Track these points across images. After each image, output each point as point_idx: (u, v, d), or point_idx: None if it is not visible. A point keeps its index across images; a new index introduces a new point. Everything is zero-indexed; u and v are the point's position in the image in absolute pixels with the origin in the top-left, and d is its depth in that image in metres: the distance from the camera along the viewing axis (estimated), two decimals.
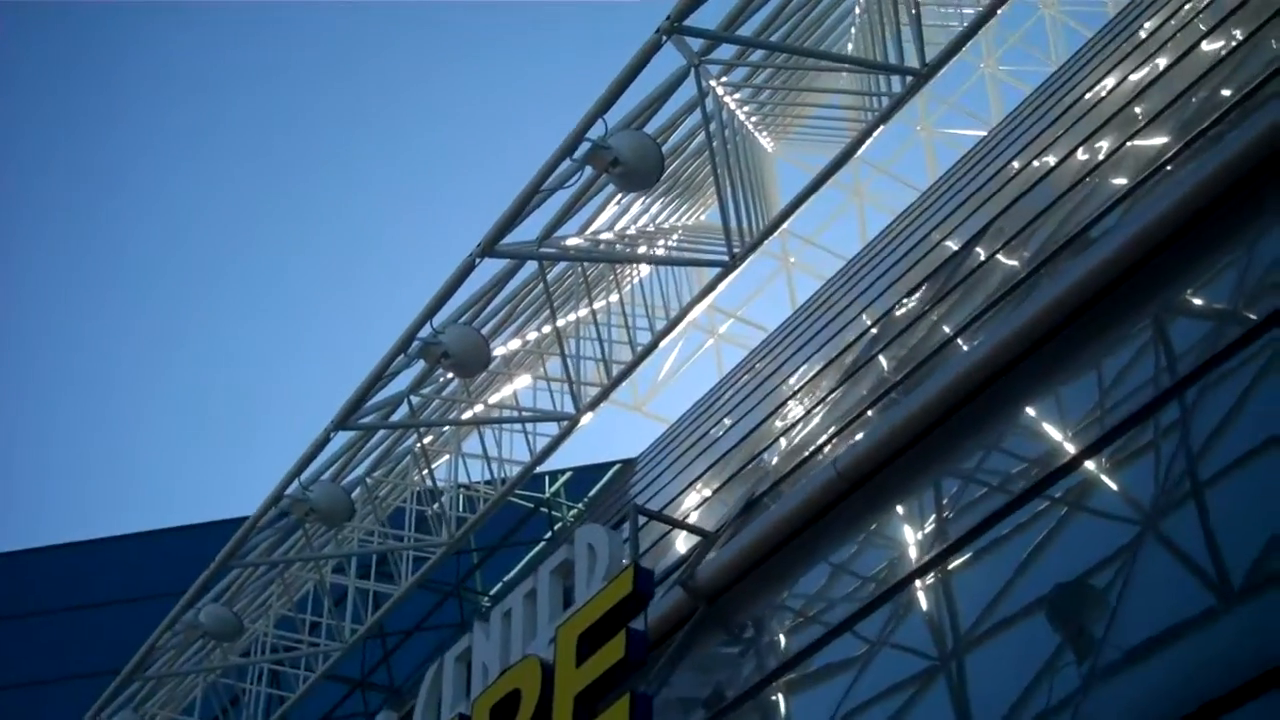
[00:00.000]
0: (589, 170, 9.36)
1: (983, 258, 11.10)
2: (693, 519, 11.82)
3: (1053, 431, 6.58)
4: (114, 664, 16.35)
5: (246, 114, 61.67)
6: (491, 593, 23.56)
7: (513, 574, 22.25)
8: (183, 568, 15.35)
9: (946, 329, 9.74)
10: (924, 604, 6.36)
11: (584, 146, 9.14)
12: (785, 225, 14.30)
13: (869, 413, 9.33)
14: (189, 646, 15.74)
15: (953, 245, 13.12)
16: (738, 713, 7.16)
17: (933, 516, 7.04)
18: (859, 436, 8.48)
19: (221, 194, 62.49)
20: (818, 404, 11.98)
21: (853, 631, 6.66)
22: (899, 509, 7.56)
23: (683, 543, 10.46)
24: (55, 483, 66.56)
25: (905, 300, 12.62)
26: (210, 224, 63.48)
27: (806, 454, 9.84)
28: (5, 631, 29.07)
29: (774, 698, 7.07)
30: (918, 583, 6.42)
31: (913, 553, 6.76)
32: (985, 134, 21.45)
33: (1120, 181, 8.73)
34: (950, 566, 6.26)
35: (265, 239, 65.25)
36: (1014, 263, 9.82)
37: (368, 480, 14.89)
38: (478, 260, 10.18)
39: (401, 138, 65.21)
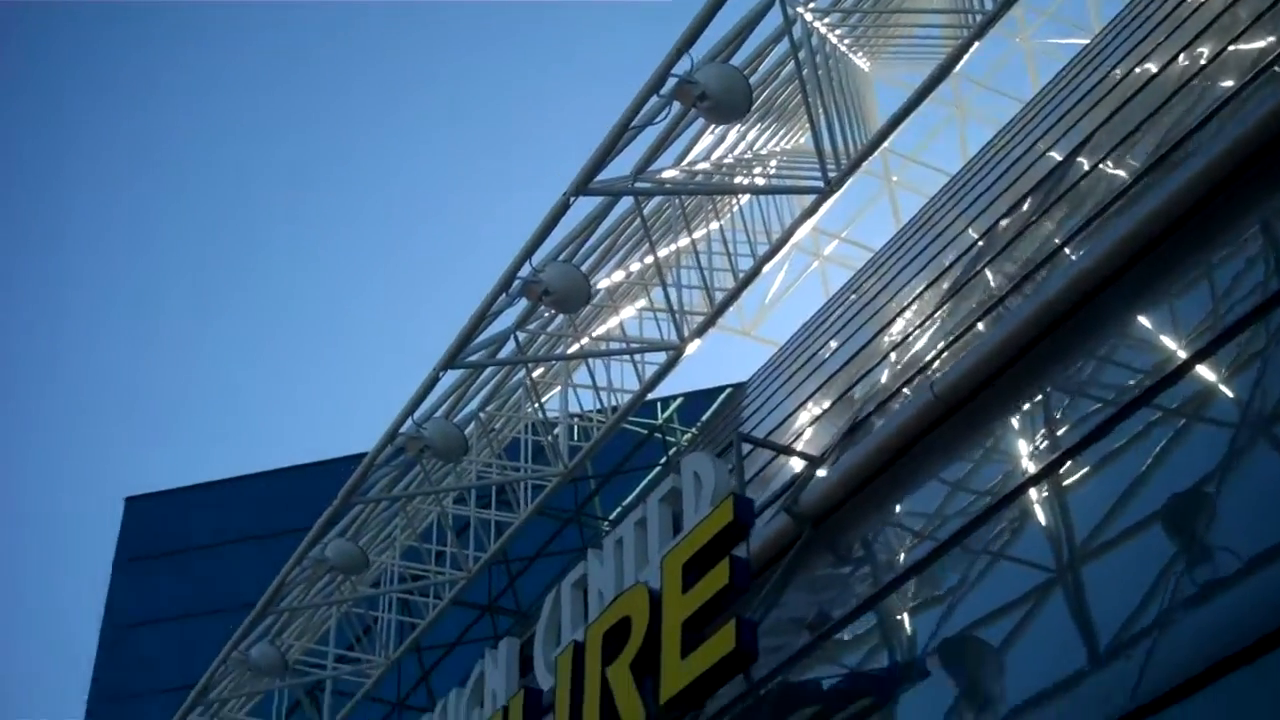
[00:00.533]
0: (677, 105, 9.42)
1: (1087, 168, 10.96)
2: (801, 442, 11.93)
3: (1164, 340, 6.54)
4: (254, 598, 17.01)
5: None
6: (610, 518, 23.93)
7: (629, 500, 22.55)
8: (315, 504, 15.84)
9: (1053, 240, 9.67)
10: (1037, 517, 6.40)
11: (671, 82, 9.19)
12: (885, 144, 14.19)
13: (978, 326, 9.30)
14: (319, 580, 16.28)
15: (1057, 156, 12.95)
16: (846, 631, 7.31)
17: (1042, 430, 7.05)
18: (959, 356, 8.50)
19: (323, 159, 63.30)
20: (923, 321, 11.98)
21: (962, 546, 6.71)
22: (1005, 425, 7.59)
23: (789, 467, 10.59)
24: (194, 423, 68.67)
25: (1010, 213, 12.52)
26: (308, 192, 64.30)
27: (910, 374, 9.87)
28: (154, 569, 30.29)
29: (882, 616, 7.19)
30: (1030, 495, 6.44)
31: (1022, 467, 6.79)
32: (1086, 43, 20.96)
33: (1226, 85, 8.58)
34: (1062, 479, 6.28)
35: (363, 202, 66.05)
36: (1120, 172, 9.70)
37: (480, 415, 15.20)
38: (572, 199, 10.32)
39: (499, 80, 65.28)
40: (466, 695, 10.65)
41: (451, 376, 13.08)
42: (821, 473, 9.00)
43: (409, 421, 12.93)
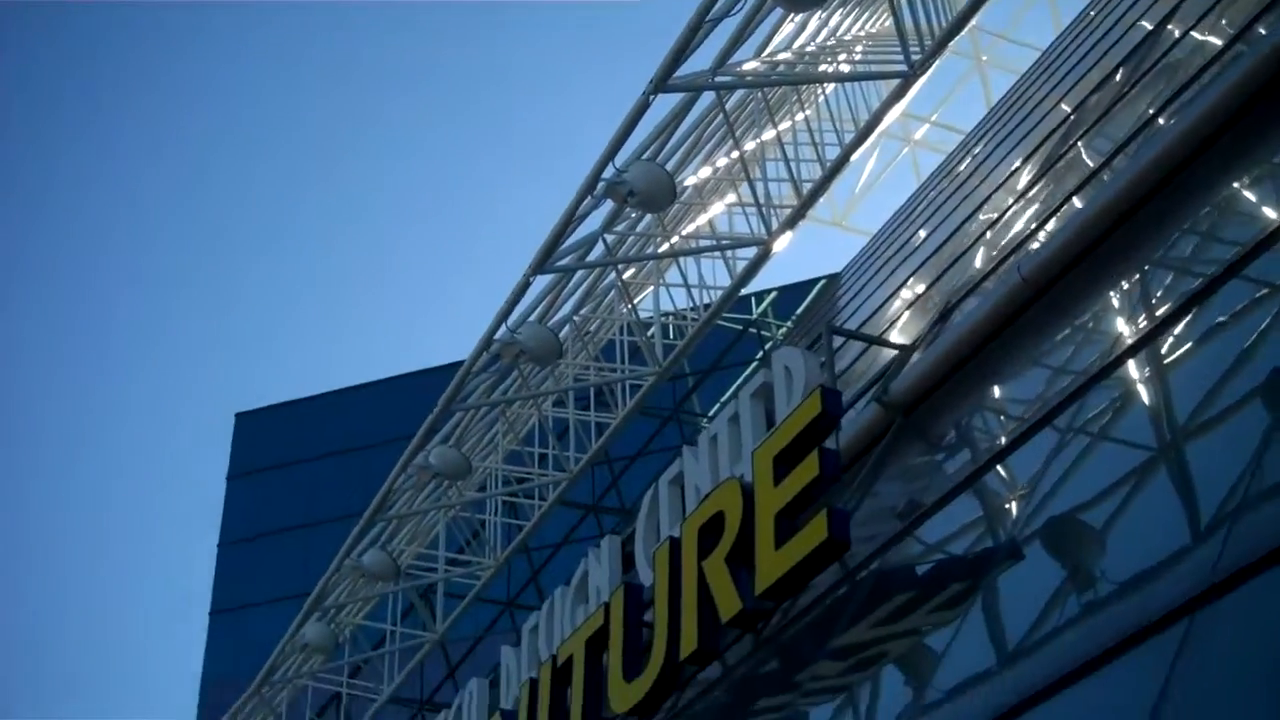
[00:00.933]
0: None
1: (1178, 35, 10.65)
2: (894, 331, 11.87)
3: (1264, 210, 6.38)
4: (363, 507, 17.43)
5: None
6: (708, 415, 24.04)
7: (726, 396, 22.62)
8: (418, 412, 16.10)
9: (1146, 111, 9.43)
10: (1134, 396, 6.33)
11: None
12: (972, 23, 13.89)
13: (1071, 203, 9.13)
14: (425, 486, 16.61)
15: (1147, 25, 12.58)
16: (939, 518, 7.33)
17: (1138, 307, 6.94)
18: (1050, 236, 8.38)
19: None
20: (1015, 202, 11.79)
21: (1057, 428, 6.67)
22: (1099, 304, 7.48)
23: (881, 357, 10.55)
24: (300, 338, 69.98)
25: (1102, 86, 12.21)
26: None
27: (1002, 257, 9.75)
28: (265, 482, 31.11)
29: (976, 501, 7.19)
30: (1127, 372, 6.35)
31: (1118, 345, 6.69)
32: None
33: None
34: (1160, 355, 6.19)
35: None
36: (1212, 38, 9.41)
37: (574, 319, 15.31)
38: (652, 97, 10.26)
39: None
40: (571, 593, 10.86)
41: (543, 281, 13.17)
42: (912, 361, 8.96)
43: (503, 328, 13.07)
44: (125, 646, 69.63)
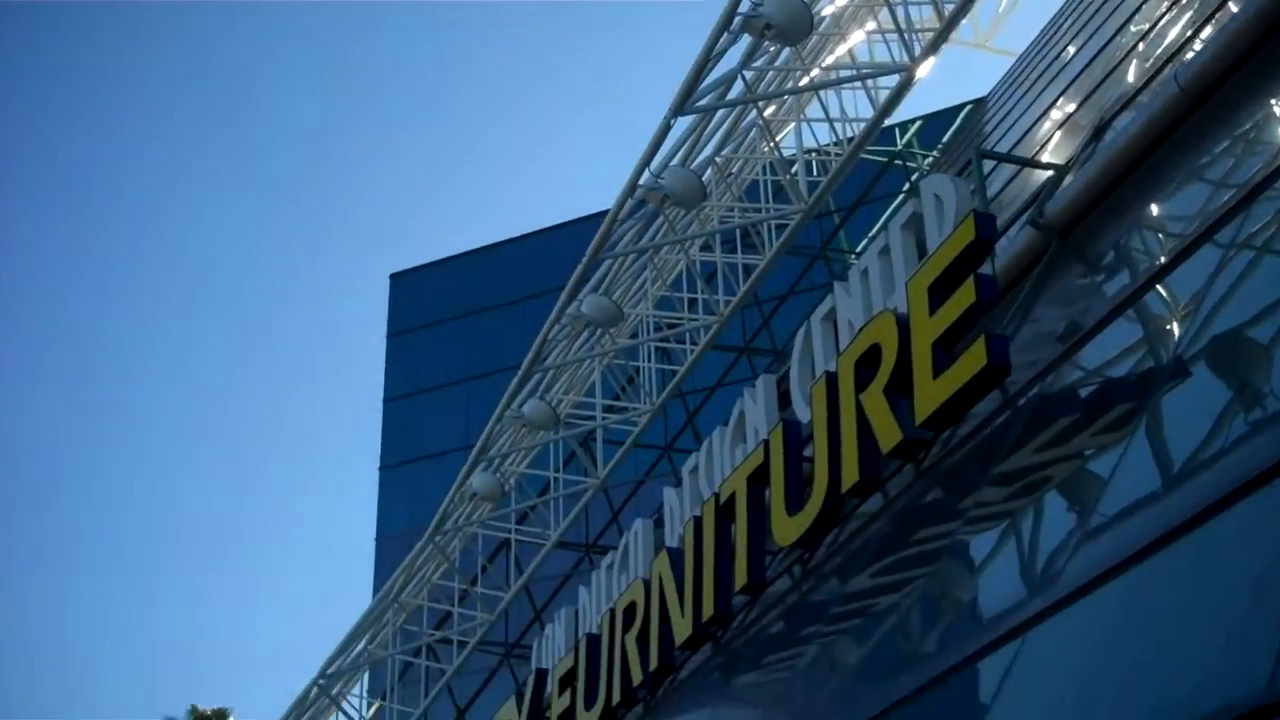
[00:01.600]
0: None
1: None
2: (1045, 152, 11.58)
3: None
4: (519, 359, 17.79)
5: None
6: (856, 251, 23.83)
7: (875, 230, 22.37)
8: (568, 263, 16.27)
9: None
10: None
11: None
12: None
13: (1228, 6, 8.74)
14: (579, 336, 16.85)
15: None
16: (1100, 339, 7.22)
17: None
18: (1205, 44, 8.05)
19: None
20: (1169, 9, 11.32)
21: (1220, 243, 6.50)
22: (1261, 111, 7.21)
23: (1033, 180, 10.31)
24: (448, 195, 70.84)
25: None
26: None
27: (1157, 69, 9.40)
28: (423, 340, 31.83)
29: (1138, 321, 7.07)
30: None
31: (1279, 155, 6.46)
32: None
33: None
34: None
35: None
36: None
37: (716, 160, 15.22)
38: None
39: None
40: (729, 433, 11.00)
41: (684, 124, 13.09)
42: (1066, 182, 8.75)
43: (646, 173, 13.06)
44: (302, 508, 72.69)
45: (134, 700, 64.86)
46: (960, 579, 7.14)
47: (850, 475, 8.18)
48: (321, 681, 21.48)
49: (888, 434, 7.80)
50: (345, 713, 22.31)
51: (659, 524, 12.70)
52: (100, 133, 68.11)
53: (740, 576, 9.71)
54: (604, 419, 18.24)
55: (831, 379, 8.53)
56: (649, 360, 18.44)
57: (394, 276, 33.66)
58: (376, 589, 25.70)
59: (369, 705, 24.32)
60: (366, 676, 23.86)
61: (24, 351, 68.20)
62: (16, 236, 67.13)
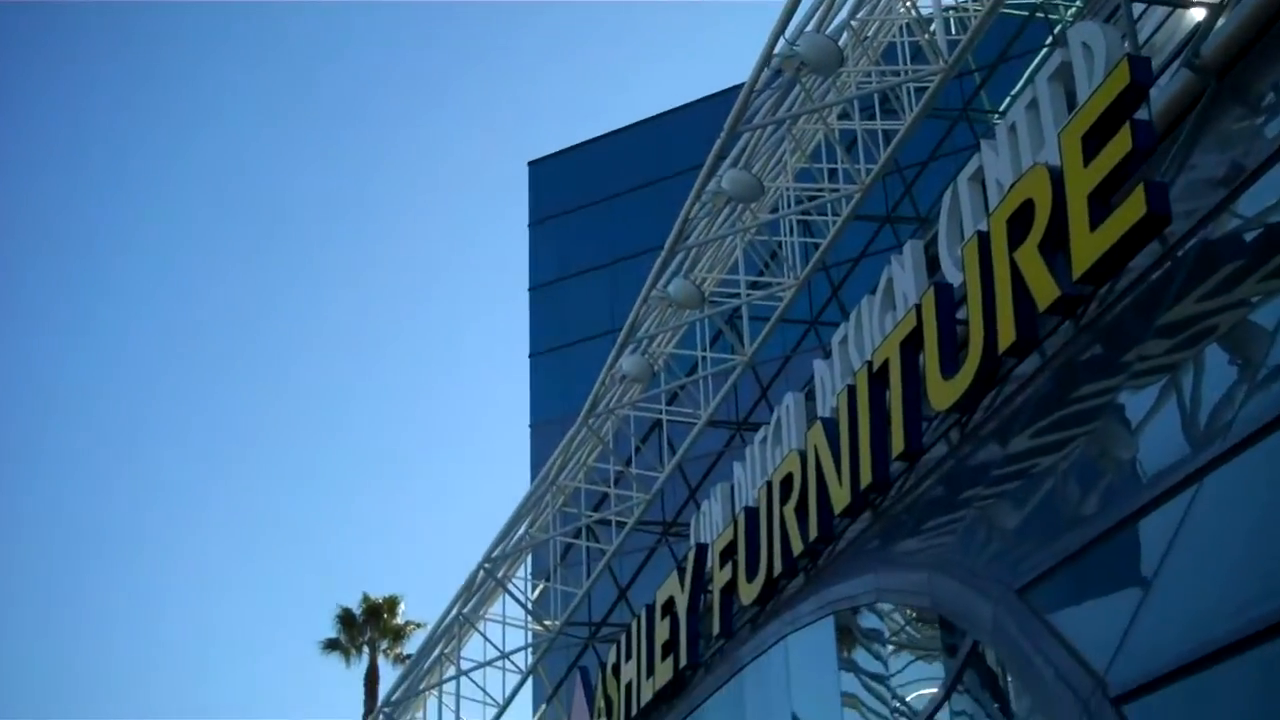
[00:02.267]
0: None
1: None
2: None
3: None
4: (662, 239, 17.79)
5: None
6: (1000, 109, 23.19)
7: (1020, 85, 21.73)
8: (706, 140, 16.14)
9: None
10: None
11: None
12: None
13: None
14: (720, 213, 16.77)
15: None
16: (1263, 183, 6.97)
17: None
18: None
19: None
20: None
21: None
22: None
23: (1186, 20, 9.89)
24: (580, 80, 70.71)
25: None
26: None
27: None
28: (565, 225, 32.01)
29: None
30: None
31: None
32: None
33: None
34: None
35: None
36: None
37: (852, 23, 14.88)
38: None
39: None
40: (878, 302, 10.90)
41: None
42: (1222, 21, 8.37)
43: (781, 41, 12.84)
44: (456, 399, 74.23)
45: (312, 590, 67.54)
46: (1122, 436, 7.04)
47: (1006, 335, 8.06)
48: (487, 565, 22.06)
49: (1044, 291, 7.65)
50: (511, 594, 22.91)
51: (810, 397, 12.69)
52: None
53: (897, 443, 9.68)
54: (748, 295, 18.19)
55: (984, 239, 8.38)
56: (791, 234, 18.28)
57: (532, 164, 33.79)
58: (534, 475, 26.20)
59: (533, 587, 24.93)
60: (529, 559, 24.43)
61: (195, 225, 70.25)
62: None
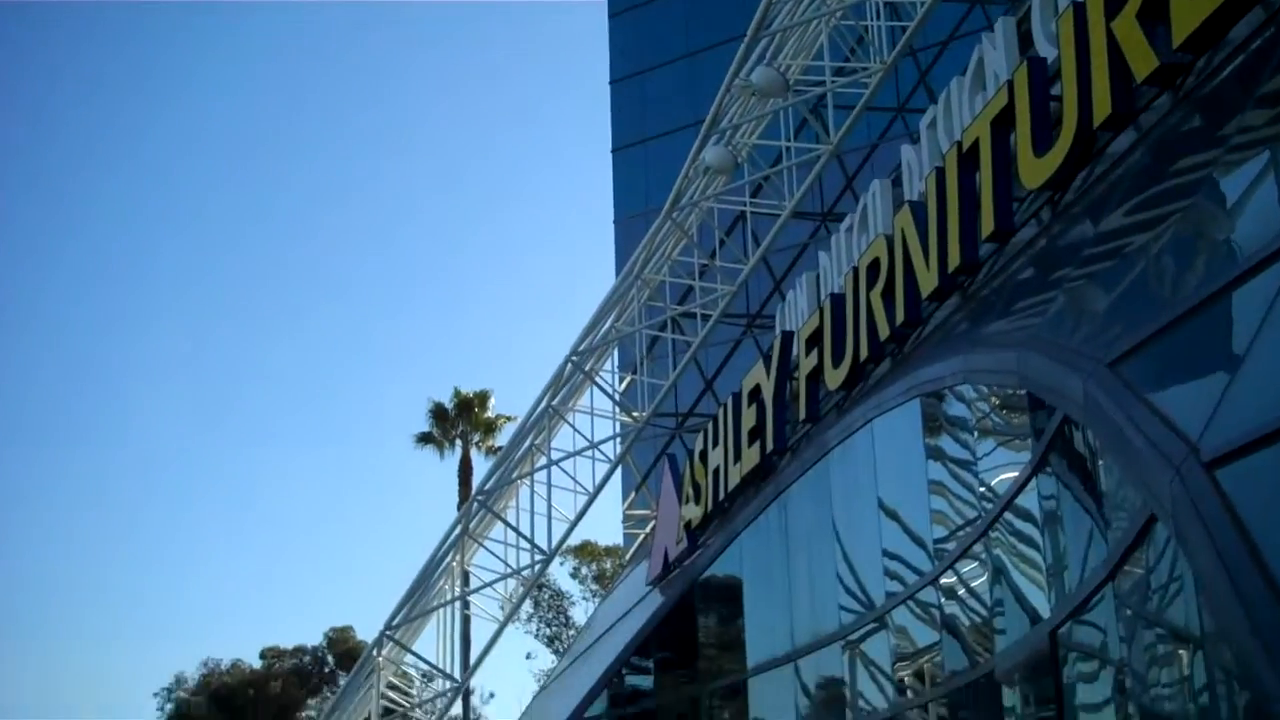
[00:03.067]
0: None
1: None
2: None
3: None
4: (743, 28, 17.43)
5: None
6: None
7: None
8: None
9: None
10: None
11: None
12: None
13: None
14: None
15: None
16: None
17: None
18: None
19: None
20: None
21: None
22: None
23: None
24: None
25: None
26: None
27: None
28: (647, 14, 31.37)
29: None
30: None
31: None
32: None
33: None
34: None
35: None
36: None
37: None
38: None
39: None
40: (968, 82, 10.68)
41: None
42: None
43: None
44: (539, 196, 74.22)
45: (402, 385, 69.01)
46: (1218, 212, 6.90)
47: (1102, 109, 7.88)
48: (574, 359, 22.36)
49: (1142, 61, 7.45)
50: (599, 386, 23.25)
51: (896, 183, 12.55)
52: None
53: (986, 224, 9.59)
54: (833, 82, 17.86)
55: (1079, 9, 8.13)
56: (878, 18, 17.83)
57: None
58: (618, 270, 26.31)
59: (620, 380, 25.26)
60: (616, 352, 24.71)
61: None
62: None
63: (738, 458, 14.95)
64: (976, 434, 9.19)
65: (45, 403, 70.27)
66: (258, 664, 55.25)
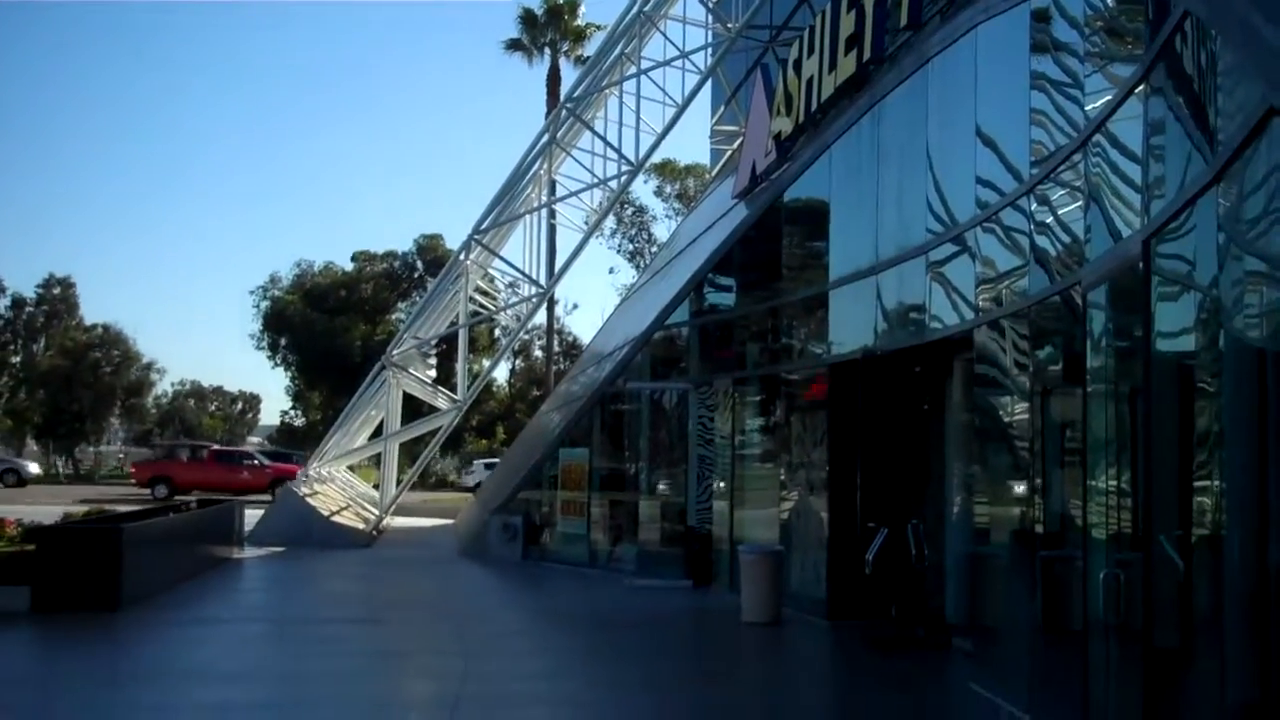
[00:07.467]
0: None
1: None
2: None
3: None
4: None
5: None
6: None
7: None
8: None
9: None
10: None
11: None
12: None
13: None
14: None
15: None
16: None
17: None
18: None
19: None
20: None
21: None
22: None
23: None
24: None
25: None
26: None
27: None
28: None
29: None
30: None
31: None
32: None
33: None
34: None
35: None
36: None
37: None
38: None
39: None
40: None
41: None
42: None
43: None
44: None
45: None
46: None
47: None
48: None
49: None
50: None
51: None
52: None
53: None
54: None
55: None
56: None
57: None
58: None
59: None
60: None
61: None
62: None
63: (833, 66, 14.51)
64: (1084, 56, 8.69)
65: None
66: (349, 267, 56.76)
